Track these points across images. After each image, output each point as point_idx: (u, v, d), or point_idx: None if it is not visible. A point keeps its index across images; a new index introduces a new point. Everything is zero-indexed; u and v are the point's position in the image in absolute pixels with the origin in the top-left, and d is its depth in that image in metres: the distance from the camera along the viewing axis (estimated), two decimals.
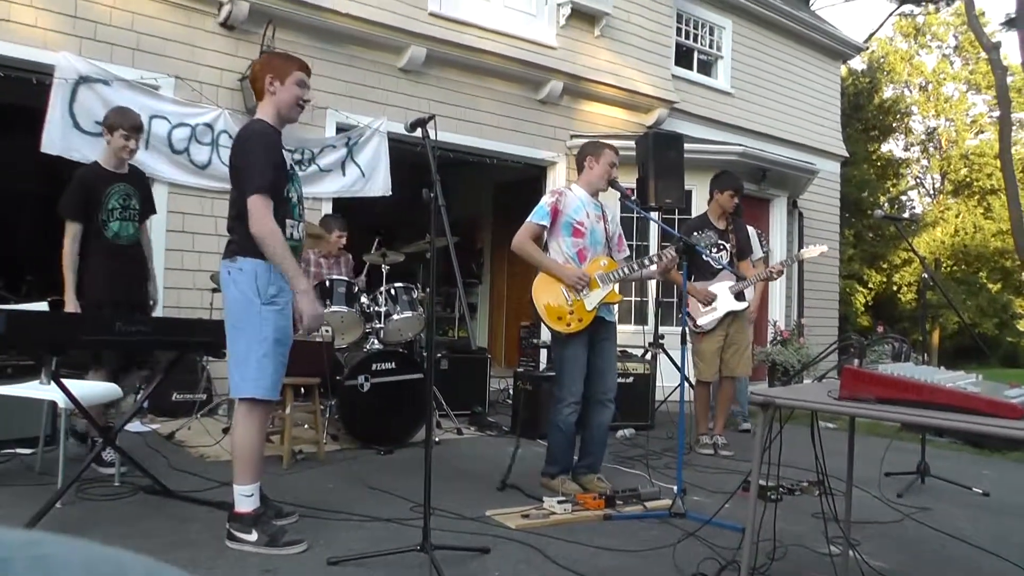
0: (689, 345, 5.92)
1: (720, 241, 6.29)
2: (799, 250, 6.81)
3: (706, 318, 6.20)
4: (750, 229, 6.99)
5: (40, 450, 4.67)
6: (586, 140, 5.45)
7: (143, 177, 5.08)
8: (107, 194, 4.75)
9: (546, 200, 4.89)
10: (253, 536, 3.47)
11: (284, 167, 3.67)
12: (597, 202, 4.99)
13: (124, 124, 4.71)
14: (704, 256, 5.82)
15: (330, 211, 7.81)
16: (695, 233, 5.83)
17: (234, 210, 3.64)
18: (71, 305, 4.57)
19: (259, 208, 3.46)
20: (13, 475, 4.47)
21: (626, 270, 4.91)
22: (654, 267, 5.02)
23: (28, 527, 3.36)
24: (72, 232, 4.63)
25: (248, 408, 3.56)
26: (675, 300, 9.39)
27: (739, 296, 6.21)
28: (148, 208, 5.07)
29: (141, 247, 4.99)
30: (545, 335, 7.10)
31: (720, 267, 6.11)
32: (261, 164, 3.52)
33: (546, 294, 4.76)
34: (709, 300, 6.17)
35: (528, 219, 4.87)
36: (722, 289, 6.19)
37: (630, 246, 9.51)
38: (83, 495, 4.13)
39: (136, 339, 3.97)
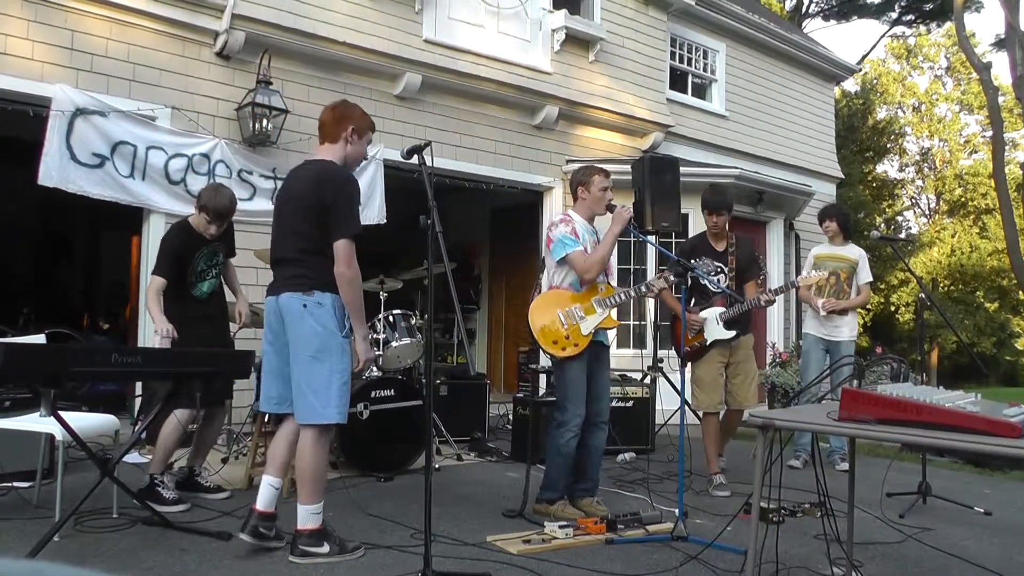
0: (688, 370, 5.86)
1: (717, 263, 5.93)
2: (796, 276, 6.59)
3: (688, 347, 5.83)
4: None
5: (38, 483, 4.64)
6: (578, 166, 5.41)
7: (229, 226, 5.11)
8: (196, 258, 4.91)
9: (564, 229, 4.81)
10: (325, 548, 3.73)
11: None
12: (593, 228, 5.00)
13: (210, 209, 4.80)
14: (702, 280, 5.78)
15: None
16: (692, 260, 5.66)
17: (307, 243, 3.79)
18: (161, 324, 4.59)
19: (350, 252, 3.71)
20: (10, 509, 4.44)
21: (622, 296, 4.94)
22: (650, 292, 5.07)
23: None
24: (157, 285, 4.75)
25: (319, 432, 3.76)
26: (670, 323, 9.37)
27: (729, 324, 5.75)
28: (230, 251, 5.23)
29: (221, 294, 5.18)
30: (544, 360, 7.10)
31: (718, 291, 5.80)
32: (355, 211, 3.80)
33: (542, 317, 4.75)
34: (695, 326, 5.78)
35: (568, 253, 4.74)
36: (711, 315, 5.80)
37: (628, 270, 9.64)
38: (81, 528, 4.10)
39: (131, 371, 3.96)
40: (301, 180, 3.91)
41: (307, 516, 3.74)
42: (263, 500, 3.80)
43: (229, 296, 5.28)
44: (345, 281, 3.70)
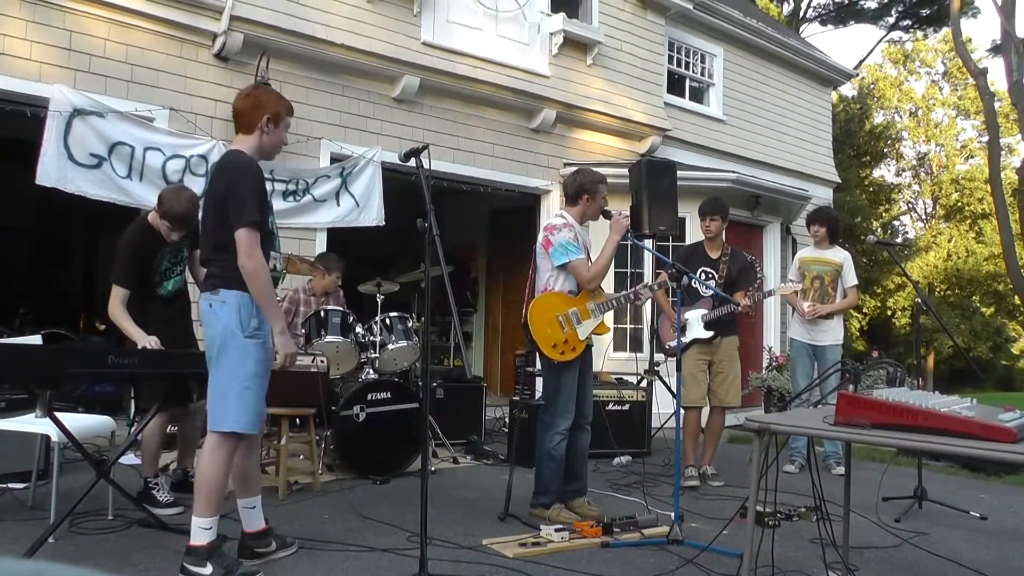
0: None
1: (707, 269, 6.12)
2: (776, 284, 6.64)
3: (672, 342, 6.01)
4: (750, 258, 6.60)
5: (33, 484, 4.63)
6: (576, 168, 5.41)
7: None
8: (158, 257, 4.73)
9: (568, 235, 4.81)
10: (208, 569, 3.38)
11: (267, 199, 3.67)
12: (582, 228, 5.02)
13: (170, 214, 4.58)
14: (694, 283, 5.86)
15: (324, 241, 7.82)
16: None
17: (213, 240, 3.58)
18: (144, 340, 4.40)
19: (250, 241, 3.42)
20: (5, 510, 4.43)
21: (614, 303, 5.03)
22: (639, 300, 5.17)
23: None
24: (119, 296, 4.52)
25: (220, 440, 3.48)
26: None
27: (709, 325, 6.00)
28: (195, 243, 4.96)
29: (186, 290, 5.01)
30: (538, 363, 7.11)
31: (707, 293, 5.99)
32: (252, 197, 3.48)
33: (543, 320, 4.77)
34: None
35: (571, 260, 4.75)
36: (694, 315, 6.03)
37: (624, 273, 9.64)
38: (76, 529, 4.09)
39: (127, 372, 3.95)
40: (211, 176, 3.76)
41: (196, 530, 3.45)
42: (246, 521, 3.70)
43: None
44: (247, 273, 3.42)
